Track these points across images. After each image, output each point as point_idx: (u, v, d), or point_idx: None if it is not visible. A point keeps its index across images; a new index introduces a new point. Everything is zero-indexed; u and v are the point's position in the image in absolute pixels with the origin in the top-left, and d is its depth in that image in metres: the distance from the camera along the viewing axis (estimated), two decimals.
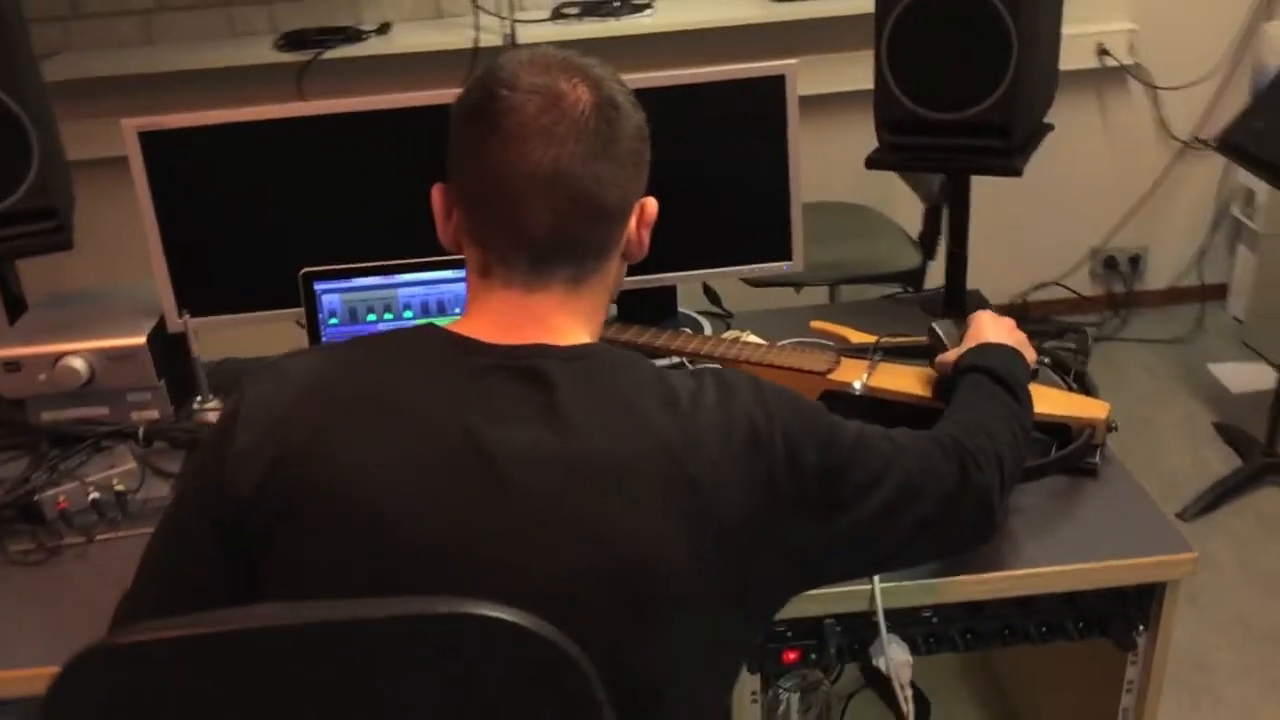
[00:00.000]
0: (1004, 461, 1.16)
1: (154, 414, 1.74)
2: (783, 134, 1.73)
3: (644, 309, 1.88)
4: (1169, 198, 3.47)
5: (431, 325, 1.02)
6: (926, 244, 2.77)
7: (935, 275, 2.71)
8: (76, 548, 1.46)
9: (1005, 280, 3.48)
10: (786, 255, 1.80)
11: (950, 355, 1.45)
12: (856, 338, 1.74)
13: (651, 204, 1.04)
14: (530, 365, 0.95)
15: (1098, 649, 1.46)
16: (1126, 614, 1.40)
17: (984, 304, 1.94)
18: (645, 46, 3.14)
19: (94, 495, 1.51)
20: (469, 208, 0.99)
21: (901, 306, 1.97)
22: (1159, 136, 3.37)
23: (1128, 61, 3.22)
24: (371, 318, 1.66)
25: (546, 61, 0.98)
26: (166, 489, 1.57)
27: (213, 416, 1.72)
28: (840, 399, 1.59)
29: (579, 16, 3.11)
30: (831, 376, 1.60)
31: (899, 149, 1.79)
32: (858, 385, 1.57)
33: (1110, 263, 3.54)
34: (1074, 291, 3.58)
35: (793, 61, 1.71)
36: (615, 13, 3.09)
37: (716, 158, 1.75)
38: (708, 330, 1.90)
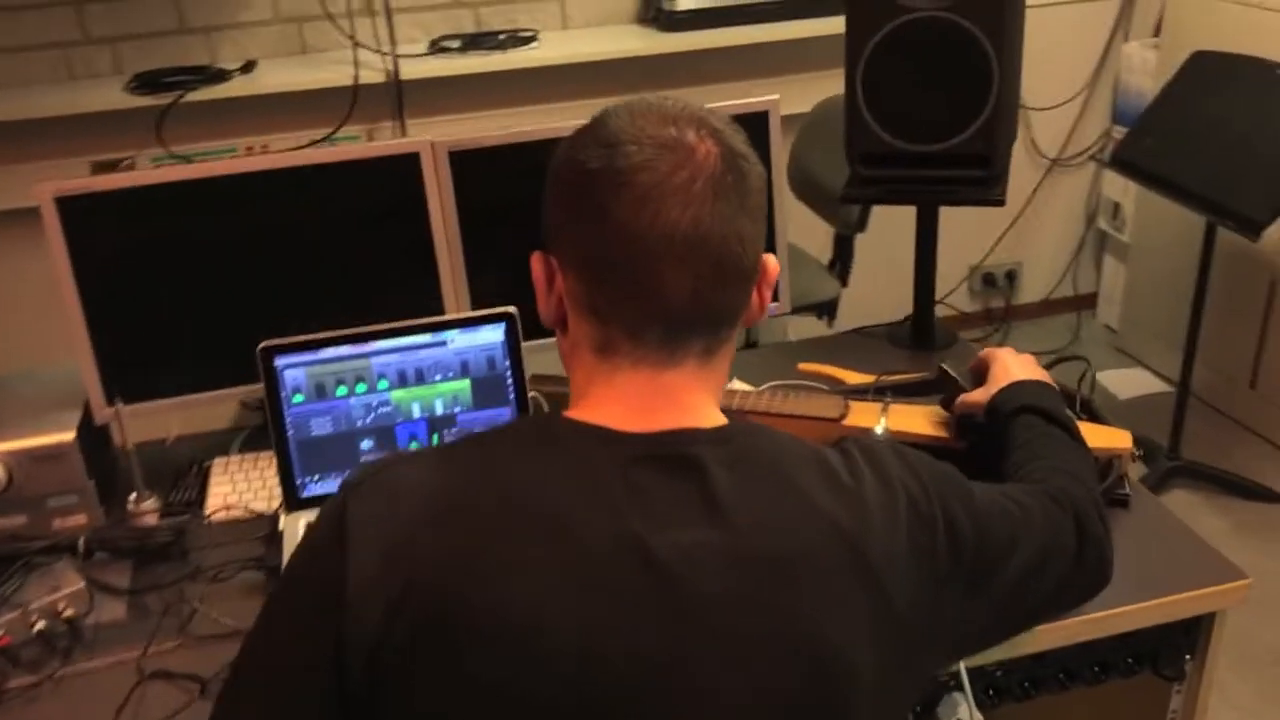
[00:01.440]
0: (1099, 505, 1.12)
1: (81, 519, 1.51)
2: (767, 169, 1.65)
3: None
4: (1040, 214, 3.60)
5: (551, 415, 0.89)
6: (841, 272, 2.76)
7: (848, 303, 2.71)
8: (27, 691, 1.24)
9: (891, 301, 3.52)
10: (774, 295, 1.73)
11: (977, 395, 1.40)
12: (853, 378, 1.69)
13: (773, 261, 0.95)
14: (681, 454, 0.84)
15: (1139, 681, 1.44)
16: (1175, 644, 1.38)
17: (953, 338, 1.92)
18: (532, 81, 3.03)
19: (39, 625, 1.28)
20: (589, 278, 0.87)
21: (871, 341, 1.93)
22: (1030, 156, 3.49)
23: None
24: (342, 391, 1.49)
25: (662, 112, 0.87)
26: (122, 608, 1.36)
27: (151, 516, 1.51)
28: None
29: (461, 50, 2.97)
30: (846, 423, 1.54)
31: (874, 182, 1.75)
32: (879, 430, 1.51)
33: (989, 279, 3.64)
34: (955, 309, 3.66)
35: (774, 97, 1.64)
36: (501, 46, 2.96)
37: None
38: None
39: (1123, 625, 1.31)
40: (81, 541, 1.41)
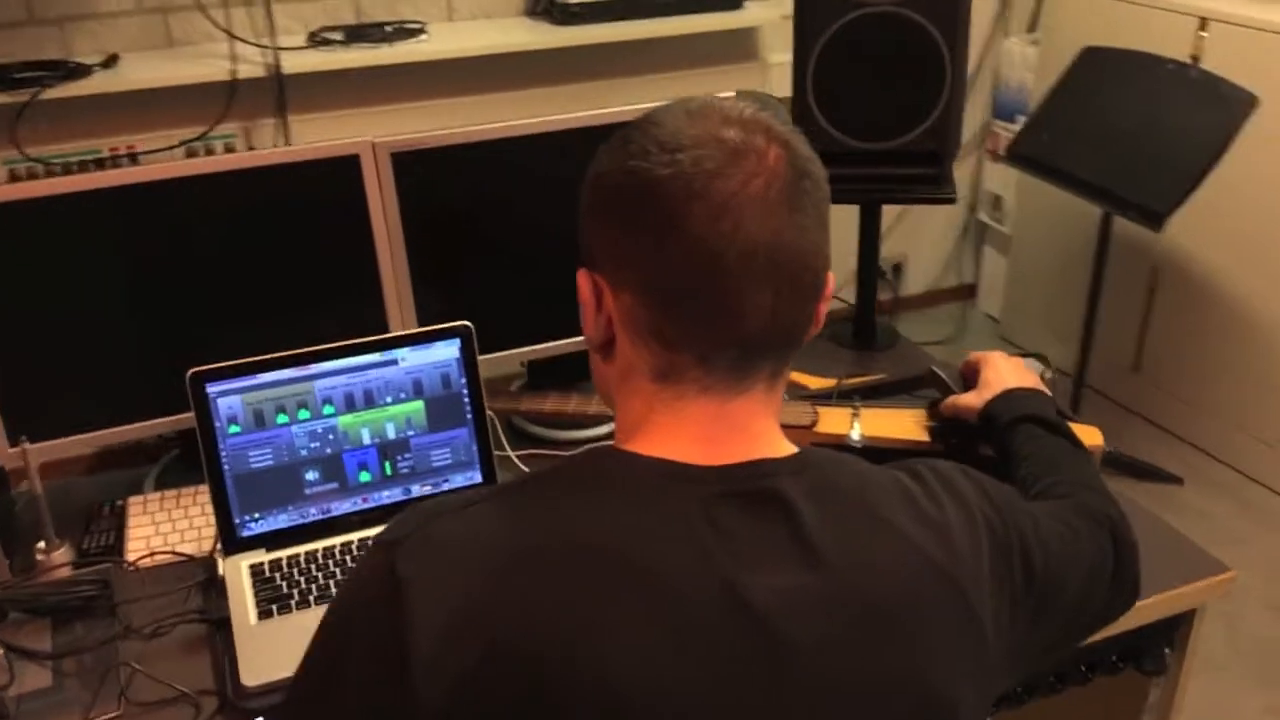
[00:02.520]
0: (1125, 519, 1.10)
1: None
2: None
3: (561, 372, 1.68)
4: (924, 207, 3.66)
5: (606, 451, 0.80)
6: None
7: None
8: None
9: None
10: None
11: (969, 399, 1.37)
12: (813, 383, 1.64)
13: (832, 275, 0.88)
14: (761, 489, 0.76)
15: (1120, 677, 1.44)
16: (1156, 639, 1.39)
17: (895, 338, 1.90)
18: (421, 75, 2.89)
19: None
20: (656, 300, 0.78)
21: (815, 343, 1.89)
22: None
23: None
24: (283, 419, 1.35)
25: (722, 113, 0.79)
26: (46, 675, 1.20)
27: (64, 568, 1.34)
28: (833, 450, 1.48)
29: (345, 42, 2.80)
30: (818, 429, 1.49)
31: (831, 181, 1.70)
32: (855, 436, 1.47)
33: (877, 273, 3.68)
34: (845, 301, 3.68)
35: (730, 94, 1.57)
36: (388, 38, 2.81)
37: None
38: None
39: (1117, 627, 1.30)
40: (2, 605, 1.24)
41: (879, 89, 1.62)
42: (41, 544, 1.36)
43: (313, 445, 1.37)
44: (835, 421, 1.50)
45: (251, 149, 2.88)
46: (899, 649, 0.75)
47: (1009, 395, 1.30)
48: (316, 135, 2.83)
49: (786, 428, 1.51)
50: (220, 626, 1.26)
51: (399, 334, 1.40)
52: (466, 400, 1.43)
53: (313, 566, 1.32)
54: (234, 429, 1.34)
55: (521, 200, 1.52)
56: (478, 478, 1.44)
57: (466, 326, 1.41)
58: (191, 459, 1.56)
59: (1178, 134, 2.38)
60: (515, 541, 0.73)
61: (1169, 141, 2.39)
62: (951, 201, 1.69)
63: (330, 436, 1.37)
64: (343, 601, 0.77)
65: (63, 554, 1.36)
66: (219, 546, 1.35)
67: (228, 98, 2.68)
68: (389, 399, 1.40)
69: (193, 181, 1.37)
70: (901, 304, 3.78)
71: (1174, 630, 1.39)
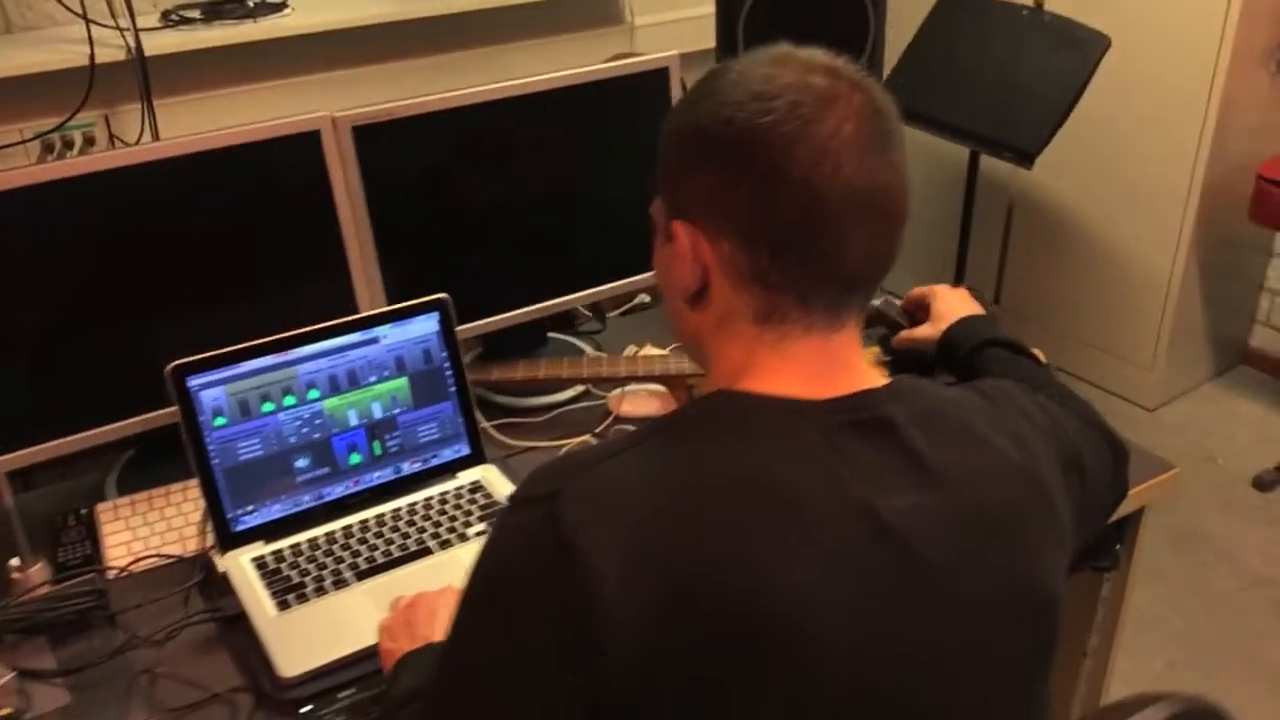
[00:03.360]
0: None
1: None
2: None
3: (515, 342, 1.68)
4: None
5: (724, 394, 0.82)
6: None
7: None
8: None
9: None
10: None
11: (924, 331, 1.44)
12: None
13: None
14: (875, 417, 0.80)
15: (1075, 577, 1.57)
16: (1108, 536, 1.52)
17: None
18: (286, 51, 2.78)
19: None
20: (759, 245, 0.80)
21: None
22: None
23: None
24: (269, 408, 1.32)
25: (800, 61, 0.82)
26: (63, 694, 1.14)
27: (42, 584, 1.27)
28: None
29: (205, 20, 2.67)
30: None
31: None
32: None
33: None
34: None
35: (673, 53, 1.60)
36: (251, 14, 2.70)
37: (603, 163, 1.60)
38: (590, 352, 1.75)
39: None
40: None
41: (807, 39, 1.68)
42: (15, 561, 1.28)
43: (301, 431, 1.34)
44: None
45: (115, 139, 2.72)
46: (1012, 555, 0.81)
47: (965, 323, 1.38)
48: (185, 119, 2.70)
49: None
50: (233, 624, 1.23)
51: (378, 311, 1.37)
52: (449, 373, 1.42)
53: (318, 553, 1.29)
54: (219, 421, 1.29)
55: (487, 168, 1.51)
56: (466, 450, 1.44)
57: (444, 299, 1.40)
58: (150, 459, 1.50)
59: (1039, 76, 2.54)
60: (676, 482, 0.75)
61: (1031, 83, 2.55)
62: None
63: (317, 421, 1.34)
64: (496, 565, 0.76)
65: (40, 570, 1.29)
66: (214, 543, 1.31)
67: (87, 84, 2.52)
68: (373, 378, 1.37)
69: (146, 168, 1.31)
70: None
71: (1125, 528, 1.52)
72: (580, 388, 1.66)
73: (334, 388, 1.35)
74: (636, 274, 1.68)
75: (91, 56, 2.49)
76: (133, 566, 1.31)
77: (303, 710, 1.10)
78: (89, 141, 2.66)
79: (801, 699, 0.72)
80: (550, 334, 1.77)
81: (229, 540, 1.31)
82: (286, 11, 2.77)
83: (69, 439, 1.32)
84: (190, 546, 1.35)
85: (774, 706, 0.71)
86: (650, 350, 1.67)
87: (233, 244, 1.38)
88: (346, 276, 1.45)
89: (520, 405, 1.63)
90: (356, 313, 1.46)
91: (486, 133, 1.49)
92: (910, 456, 0.80)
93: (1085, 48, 2.51)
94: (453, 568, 1.27)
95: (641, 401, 1.60)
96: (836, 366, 0.83)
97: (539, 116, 1.51)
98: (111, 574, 1.31)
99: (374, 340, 1.37)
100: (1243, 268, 3.16)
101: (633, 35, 3.29)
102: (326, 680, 1.14)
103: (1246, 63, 2.70)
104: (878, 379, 0.85)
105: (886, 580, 0.75)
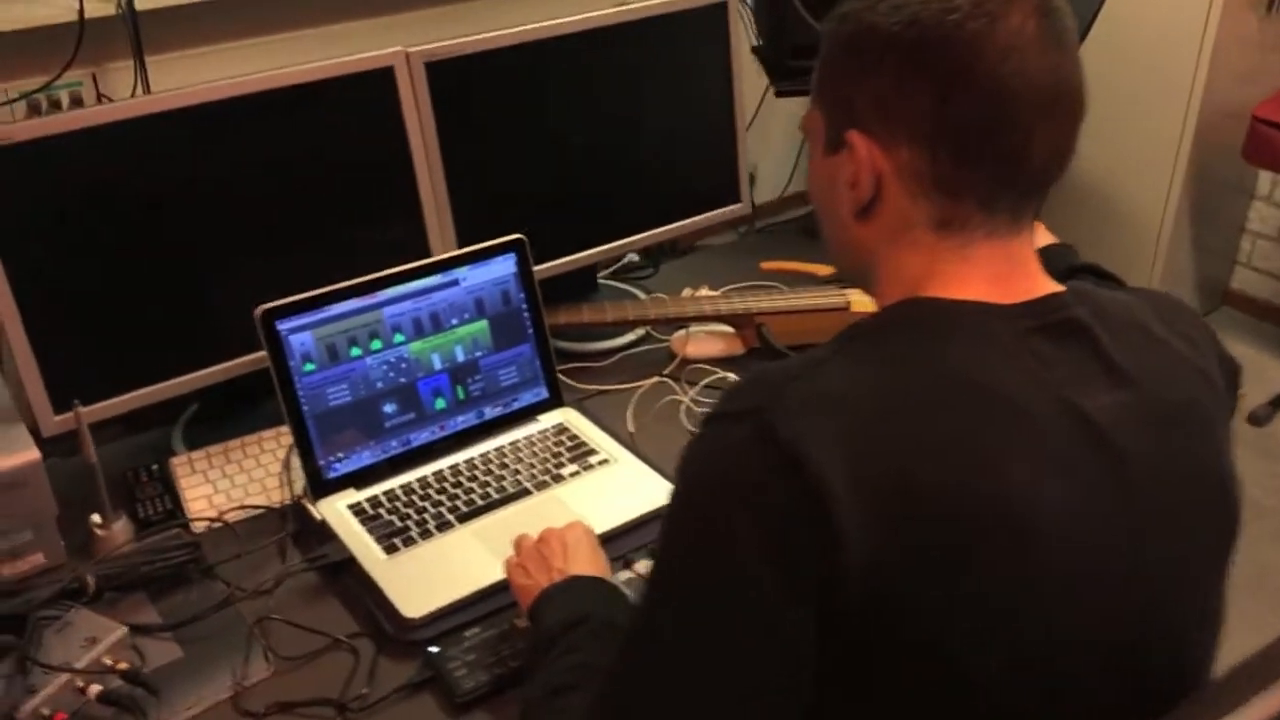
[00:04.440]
0: None
1: (38, 558, 1.21)
2: (728, 66, 1.60)
3: (566, 287, 1.66)
4: (766, 122, 3.77)
5: (914, 301, 0.81)
6: None
7: None
8: None
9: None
10: (736, 197, 1.69)
11: None
12: (822, 270, 1.70)
13: None
14: (1063, 319, 0.80)
15: None
16: None
17: None
18: (280, 4, 2.71)
19: (95, 689, 1.02)
20: (941, 149, 0.79)
21: (789, 236, 1.95)
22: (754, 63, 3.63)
23: None
24: (356, 352, 1.29)
25: None
26: (174, 648, 1.11)
27: (124, 539, 1.23)
28: None
29: None
30: (854, 309, 1.55)
31: (806, 73, 1.74)
32: None
33: None
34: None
35: None
36: None
37: (661, 103, 1.58)
38: (642, 295, 1.73)
39: None
40: (91, 580, 1.13)
41: None
42: (96, 518, 1.24)
43: (388, 376, 1.31)
44: (867, 300, 1.56)
45: (102, 96, 2.62)
46: (1199, 445, 0.82)
47: (1047, 251, 1.39)
48: (177, 77, 2.61)
49: (823, 311, 1.58)
50: (337, 571, 1.20)
51: (459, 252, 1.35)
52: (527, 316, 1.40)
53: (414, 498, 1.27)
54: (309, 367, 1.26)
55: (555, 104, 1.49)
56: (545, 394, 1.42)
57: (521, 240, 1.37)
58: (212, 413, 1.46)
59: None
60: (888, 387, 0.74)
61: None
62: None
63: (403, 365, 1.32)
64: (708, 484, 0.74)
65: (124, 526, 1.25)
66: (305, 491, 1.27)
67: (68, 43, 2.42)
68: (454, 321, 1.35)
69: (217, 106, 1.26)
70: (759, 212, 3.89)
71: None
72: (640, 331, 1.65)
73: (418, 331, 1.32)
74: (699, 214, 1.67)
75: (81, 11, 2.39)
76: (231, 516, 1.28)
77: (431, 650, 1.08)
78: (76, 101, 2.56)
79: (1024, 594, 0.72)
80: (600, 279, 1.75)
81: (321, 488, 1.28)
82: None
83: (151, 388, 1.28)
84: (273, 497, 1.31)
85: (998, 602, 0.72)
86: (706, 291, 1.66)
87: (303, 186, 1.34)
88: (419, 218, 1.41)
89: (581, 350, 1.61)
90: (428, 255, 1.43)
91: (557, 67, 1.46)
92: (1100, 357, 0.80)
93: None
94: (554, 506, 1.26)
95: (707, 342, 1.59)
96: (1018, 270, 0.83)
97: (603, 51, 1.49)
98: (199, 527, 1.27)
99: (455, 282, 1.34)
100: (1226, 210, 3.23)
101: None
102: (450, 620, 1.12)
103: (1238, 6, 2.75)
104: (1054, 283, 0.85)
105: (1098, 476, 0.76)
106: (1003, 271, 0.82)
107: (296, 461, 1.34)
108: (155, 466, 1.36)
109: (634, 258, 1.83)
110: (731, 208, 1.70)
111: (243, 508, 1.29)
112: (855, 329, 0.82)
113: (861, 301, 1.55)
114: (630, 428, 1.43)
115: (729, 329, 1.60)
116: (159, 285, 1.27)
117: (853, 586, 0.70)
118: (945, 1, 0.78)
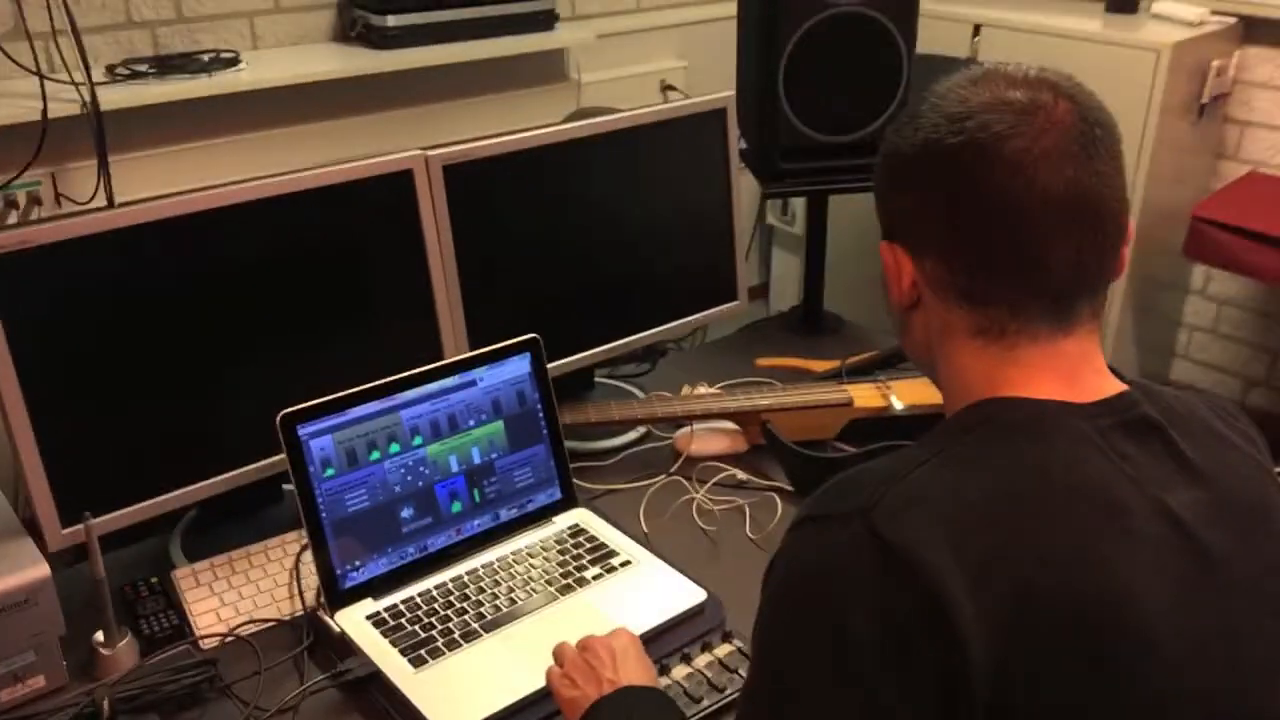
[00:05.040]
0: None
1: (39, 682, 1.14)
2: (726, 166, 1.63)
3: (564, 386, 1.64)
4: None
5: (1001, 400, 0.82)
6: None
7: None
8: None
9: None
10: (733, 295, 1.71)
11: None
12: (818, 366, 1.71)
13: (1131, 220, 0.94)
14: (1137, 417, 0.82)
15: None
16: None
17: (840, 323, 2.01)
18: (241, 106, 2.69)
19: None
20: (958, 260, 0.82)
21: (774, 332, 1.97)
22: None
23: (684, 95, 3.49)
24: (375, 456, 1.25)
25: (1005, 77, 0.83)
26: None
27: (129, 659, 1.17)
28: (873, 423, 1.56)
29: (157, 74, 2.57)
30: (857, 405, 1.56)
31: (798, 174, 1.79)
32: (899, 406, 1.55)
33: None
34: None
35: (729, 93, 1.62)
36: (206, 68, 2.60)
37: (655, 205, 1.59)
38: (640, 394, 1.73)
39: None
40: (107, 704, 1.06)
41: (843, 85, 1.72)
42: (99, 636, 1.18)
43: (406, 480, 1.27)
44: (869, 396, 1.58)
45: (61, 196, 2.56)
46: (1271, 539, 0.83)
47: None
48: (138, 176, 2.58)
49: (826, 407, 1.59)
50: (360, 686, 1.15)
51: (476, 353, 1.33)
52: (541, 416, 1.38)
53: (435, 606, 1.23)
54: (329, 472, 1.22)
55: (570, 204, 1.50)
56: (559, 495, 1.40)
57: (535, 339, 1.37)
58: (211, 521, 1.40)
59: None
60: (991, 487, 0.75)
61: None
62: None
63: (421, 469, 1.29)
64: (814, 588, 0.73)
65: (129, 645, 1.18)
66: (322, 603, 1.23)
67: (29, 143, 2.38)
68: (471, 422, 1.33)
69: (233, 210, 1.24)
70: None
71: None
72: (641, 430, 1.64)
73: (435, 433, 1.30)
74: (698, 311, 1.69)
75: (44, 111, 2.35)
76: (228, 633, 1.22)
77: None
78: (35, 201, 2.50)
79: (1144, 697, 0.72)
80: (598, 379, 1.74)
81: (338, 599, 1.23)
82: (241, 67, 2.69)
83: (161, 498, 1.23)
84: (283, 609, 1.26)
85: (1120, 707, 0.71)
86: (704, 389, 1.66)
87: (319, 287, 1.32)
88: (433, 317, 1.40)
89: (584, 449, 1.59)
90: (440, 355, 1.42)
91: (568, 169, 1.48)
92: (1175, 456, 0.81)
93: None
94: (583, 611, 1.23)
95: (711, 440, 1.58)
96: (1081, 368, 0.84)
97: (602, 156, 1.51)
98: (207, 644, 1.21)
99: (473, 383, 1.32)
100: (1164, 305, 3.35)
101: (579, 92, 3.31)
102: None
103: (1171, 114, 2.90)
104: (1119, 382, 0.87)
105: (1188, 573, 0.76)
106: (1064, 370, 0.84)
107: (306, 570, 1.30)
108: (154, 580, 1.30)
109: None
110: (729, 305, 1.71)
111: (253, 621, 1.24)
112: (944, 430, 0.82)
113: (863, 397, 1.57)
114: (644, 527, 1.42)
115: (732, 426, 1.60)
116: (168, 391, 1.23)
117: (977, 693, 0.69)
118: (956, 124, 0.81)
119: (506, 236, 1.45)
